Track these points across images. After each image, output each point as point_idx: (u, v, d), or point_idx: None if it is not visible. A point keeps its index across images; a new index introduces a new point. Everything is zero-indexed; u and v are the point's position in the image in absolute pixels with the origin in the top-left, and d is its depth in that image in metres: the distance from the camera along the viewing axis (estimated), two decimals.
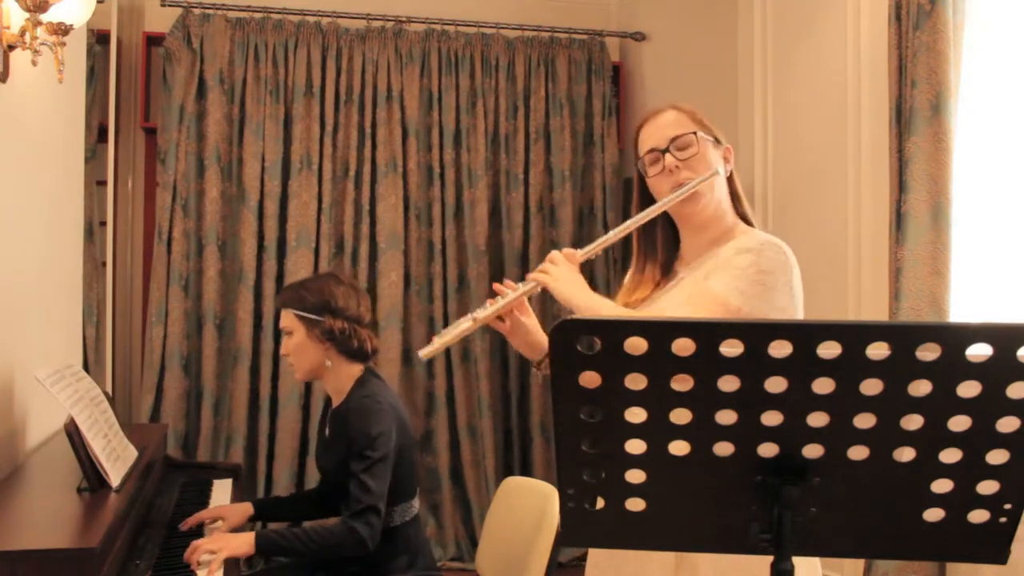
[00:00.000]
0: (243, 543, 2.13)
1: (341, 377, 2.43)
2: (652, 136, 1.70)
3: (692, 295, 1.59)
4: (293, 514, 2.72)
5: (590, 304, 1.59)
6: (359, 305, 2.44)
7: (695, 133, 1.67)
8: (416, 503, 2.47)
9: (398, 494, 2.37)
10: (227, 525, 2.34)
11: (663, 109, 1.73)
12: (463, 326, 1.66)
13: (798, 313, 1.58)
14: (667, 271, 1.75)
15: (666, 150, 1.66)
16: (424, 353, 1.65)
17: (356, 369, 2.45)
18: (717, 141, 1.71)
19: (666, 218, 1.72)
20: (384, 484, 2.27)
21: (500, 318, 1.70)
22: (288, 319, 2.41)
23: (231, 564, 2.08)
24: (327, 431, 2.52)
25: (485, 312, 1.67)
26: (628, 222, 1.70)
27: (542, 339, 1.73)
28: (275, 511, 2.67)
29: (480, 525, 4.07)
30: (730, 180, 1.72)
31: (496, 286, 1.72)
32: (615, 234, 1.69)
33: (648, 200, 1.72)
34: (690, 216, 1.67)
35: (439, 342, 1.65)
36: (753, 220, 1.72)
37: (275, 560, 3.96)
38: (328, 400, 2.58)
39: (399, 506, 2.39)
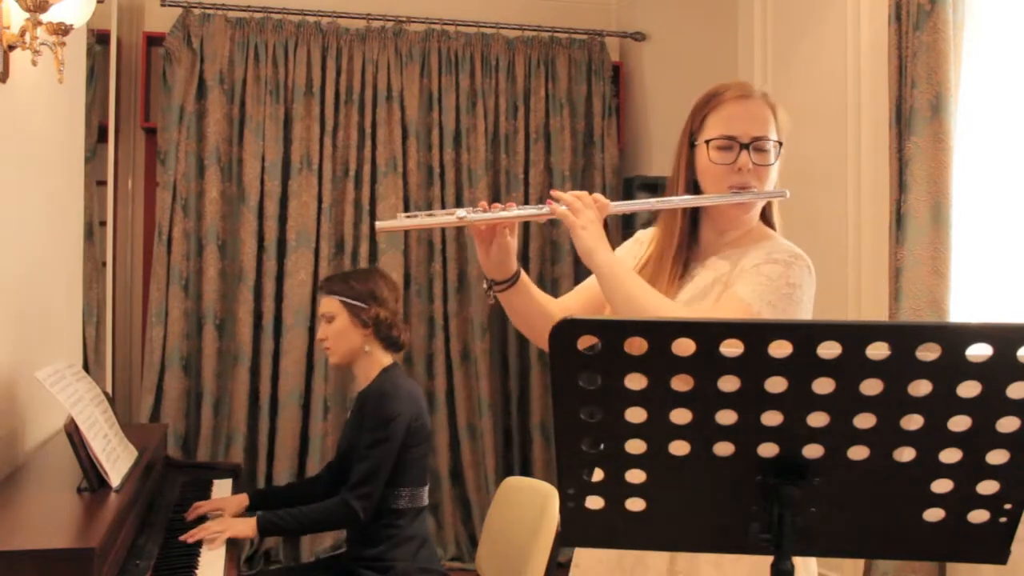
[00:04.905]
0: (246, 526, 2.30)
1: (372, 364, 2.58)
2: (738, 120, 1.57)
3: (719, 301, 1.52)
4: (290, 503, 2.76)
5: (611, 263, 1.47)
6: (397, 301, 2.62)
7: (780, 144, 1.60)
8: (426, 494, 2.57)
9: (411, 477, 2.48)
10: (227, 516, 2.42)
11: (755, 93, 1.60)
12: (444, 219, 1.53)
13: None
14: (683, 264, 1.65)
15: (747, 146, 1.56)
16: (380, 226, 1.53)
17: (387, 359, 2.59)
18: (779, 143, 1.62)
19: (692, 208, 1.62)
20: (386, 464, 2.41)
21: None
22: (332, 305, 2.55)
23: (232, 564, 2.08)
24: (350, 413, 2.65)
25: (476, 216, 1.51)
26: (676, 199, 1.58)
27: (513, 264, 1.58)
28: (272, 501, 2.71)
29: (480, 525, 4.07)
30: None
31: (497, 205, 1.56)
32: (656, 202, 1.59)
33: (694, 178, 1.61)
34: (730, 218, 1.60)
35: (407, 223, 1.52)
36: (777, 223, 1.66)
37: (275, 561, 3.99)
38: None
39: (411, 489, 2.49)
